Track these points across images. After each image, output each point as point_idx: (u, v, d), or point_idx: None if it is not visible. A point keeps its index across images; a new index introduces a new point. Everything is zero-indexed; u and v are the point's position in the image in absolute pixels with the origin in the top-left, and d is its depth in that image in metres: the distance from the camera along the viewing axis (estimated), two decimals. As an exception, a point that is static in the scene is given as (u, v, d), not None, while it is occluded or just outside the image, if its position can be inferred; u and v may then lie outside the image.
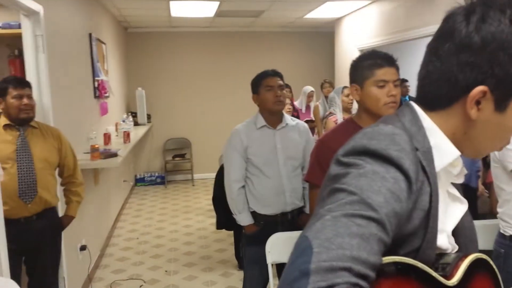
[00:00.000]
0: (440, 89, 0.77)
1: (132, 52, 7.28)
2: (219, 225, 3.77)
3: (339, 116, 3.94)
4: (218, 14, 6.05)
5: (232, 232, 4.11)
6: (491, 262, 0.80)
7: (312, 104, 5.69)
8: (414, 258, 0.73)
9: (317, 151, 2.02)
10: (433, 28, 0.82)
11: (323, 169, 1.85)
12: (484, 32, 0.71)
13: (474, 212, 3.21)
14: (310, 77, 7.38)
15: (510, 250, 1.89)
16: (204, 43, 7.51)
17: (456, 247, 0.85)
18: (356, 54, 4.77)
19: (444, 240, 0.80)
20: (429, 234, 0.75)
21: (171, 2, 5.29)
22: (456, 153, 0.78)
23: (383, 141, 0.72)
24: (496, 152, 1.94)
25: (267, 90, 2.50)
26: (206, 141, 7.49)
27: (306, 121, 4.02)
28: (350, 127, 1.88)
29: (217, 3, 5.34)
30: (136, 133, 5.54)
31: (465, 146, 0.79)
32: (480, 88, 0.72)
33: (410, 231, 0.73)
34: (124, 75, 6.97)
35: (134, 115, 6.67)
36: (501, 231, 1.94)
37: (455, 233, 0.86)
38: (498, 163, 1.94)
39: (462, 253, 0.79)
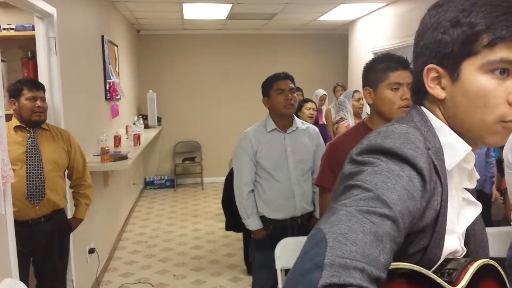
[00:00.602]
0: (412, 85, 0.87)
1: (144, 54, 7.31)
2: (228, 227, 3.75)
3: (351, 121, 3.89)
4: (231, 16, 6.05)
5: (241, 237, 4.08)
6: (499, 268, 0.79)
7: (324, 108, 5.65)
8: (422, 257, 0.75)
9: (328, 155, 1.99)
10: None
11: (334, 172, 1.81)
12: (422, 25, 0.82)
13: (488, 218, 3.14)
14: (323, 80, 7.33)
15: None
16: (216, 46, 7.51)
17: (465, 250, 0.85)
18: (370, 57, 4.71)
19: (455, 242, 0.81)
20: (437, 233, 0.76)
21: (184, 5, 5.30)
22: (468, 148, 0.79)
23: (398, 140, 0.73)
24: (510, 159, 1.88)
25: (278, 93, 2.48)
26: (216, 144, 7.47)
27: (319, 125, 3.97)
28: (362, 130, 1.84)
29: (230, 5, 5.33)
30: (147, 136, 5.55)
31: (462, 132, 0.80)
32: (426, 67, 0.79)
33: (420, 229, 0.74)
34: (136, 77, 7.00)
35: (145, 117, 6.68)
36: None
37: (467, 238, 0.87)
38: (511, 169, 1.89)
39: (469, 259, 0.79)
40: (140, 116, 6.46)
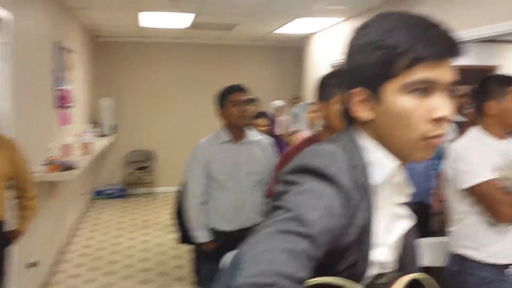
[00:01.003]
0: (342, 106, 0.88)
1: (101, 61, 7.12)
2: (181, 240, 3.67)
3: (306, 133, 3.95)
4: (191, 26, 6.02)
5: (191, 248, 4.01)
6: (425, 283, 0.81)
7: (280, 119, 5.71)
8: (352, 273, 0.76)
9: (280, 166, 2.01)
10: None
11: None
12: (349, 47, 0.84)
13: (427, 229, 3.25)
14: (280, 91, 7.43)
15: (461, 268, 1.92)
16: (175, 55, 7.45)
17: (396, 262, 0.87)
18: (326, 71, 4.83)
19: (384, 254, 0.83)
20: (363, 250, 0.78)
21: (140, 13, 5.23)
22: (393, 163, 0.81)
23: (323, 159, 0.76)
24: (448, 172, 1.96)
25: (232, 105, 2.49)
26: (172, 154, 7.29)
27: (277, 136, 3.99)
28: (313, 143, 1.87)
29: (192, 15, 5.31)
30: (99, 145, 5.39)
31: (390, 149, 0.81)
32: (350, 90, 0.82)
33: (346, 246, 0.75)
34: (92, 84, 6.80)
35: (100, 125, 6.50)
36: (453, 250, 1.98)
37: (401, 252, 0.89)
38: (450, 182, 1.97)
39: (399, 273, 0.81)
40: (94, 124, 6.27)
